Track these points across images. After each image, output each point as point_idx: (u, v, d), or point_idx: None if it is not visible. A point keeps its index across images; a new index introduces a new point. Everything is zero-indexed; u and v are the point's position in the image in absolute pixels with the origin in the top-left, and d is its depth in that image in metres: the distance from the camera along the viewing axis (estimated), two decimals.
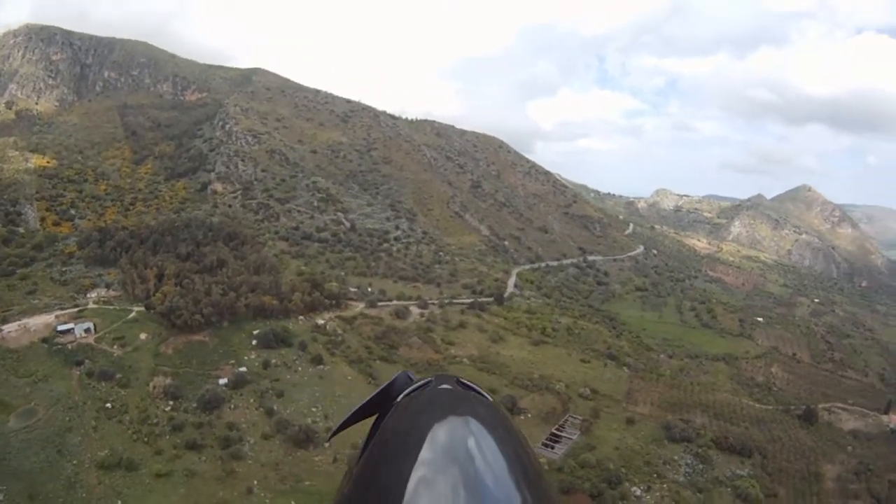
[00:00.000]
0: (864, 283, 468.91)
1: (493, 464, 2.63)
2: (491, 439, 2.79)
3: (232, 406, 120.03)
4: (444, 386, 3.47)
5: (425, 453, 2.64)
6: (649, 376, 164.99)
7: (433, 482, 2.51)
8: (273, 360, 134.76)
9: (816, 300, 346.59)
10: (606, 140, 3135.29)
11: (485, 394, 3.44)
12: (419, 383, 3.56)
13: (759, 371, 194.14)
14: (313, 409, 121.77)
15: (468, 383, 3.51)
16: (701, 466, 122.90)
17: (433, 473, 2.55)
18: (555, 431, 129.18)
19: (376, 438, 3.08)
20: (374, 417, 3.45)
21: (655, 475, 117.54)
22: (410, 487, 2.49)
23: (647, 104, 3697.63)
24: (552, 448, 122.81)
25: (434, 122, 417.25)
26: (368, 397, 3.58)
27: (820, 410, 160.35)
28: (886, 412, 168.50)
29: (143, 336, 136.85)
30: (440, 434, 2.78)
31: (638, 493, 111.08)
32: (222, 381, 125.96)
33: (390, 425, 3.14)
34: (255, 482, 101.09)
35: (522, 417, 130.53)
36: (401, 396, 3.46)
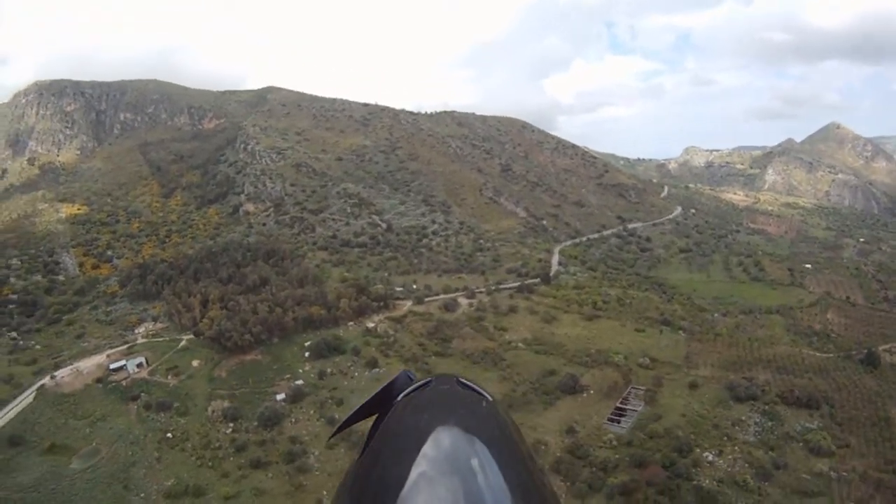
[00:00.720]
0: None
1: (491, 463, 2.69)
2: (490, 439, 2.88)
3: (293, 420, 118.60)
4: (444, 386, 3.56)
5: (424, 453, 2.70)
6: (706, 337, 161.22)
7: (432, 482, 2.57)
8: (328, 370, 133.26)
9: (861, 240, 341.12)
10: (628, 105, 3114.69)
11: (485, 393, 3.48)
12: (419, 383, 3.61)
13: (814, 319, 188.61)
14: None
15: (468, 383, 3.56)
16: (770, 424, 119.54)
17: (432, 473, 2.61)
18: (619, 405, 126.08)
19: (376, 438, 3.14)
20: (374, 417, 3.49)
21: (725, 438, 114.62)
22: (409, 487, 2.55)
23: (662, 63, 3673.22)
24: (618, 423, 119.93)
25: (454, 112, 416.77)
26: (369, 397, 3.62)
27: (881, 353, 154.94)
28: None
29: (195, 363, 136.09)
30: (439, 434, 2.84)
31: (710, 458, 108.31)
32: (280, 396, 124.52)
33: (390, 425, 3.20)
34: (325, 493, 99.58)
35: (585, 395, 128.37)
36: (401, 396, 3.51)
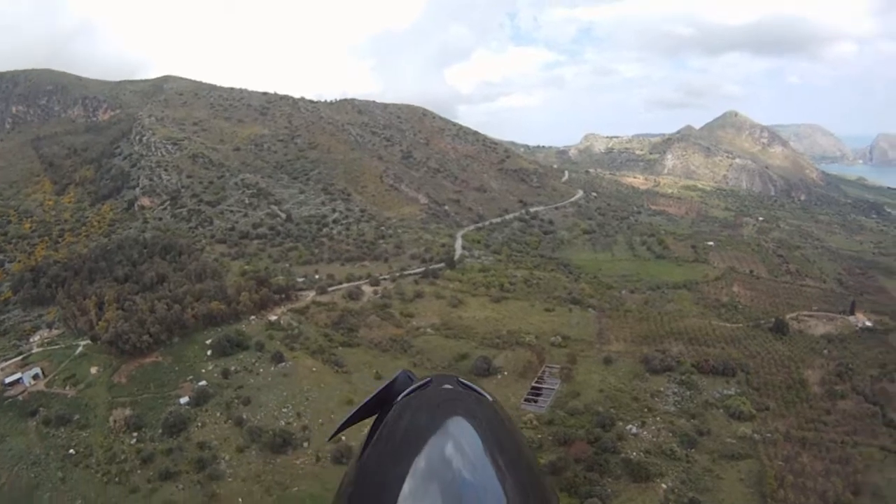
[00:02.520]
0: (802, 197, 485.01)
1: (491, 463, 2.71)
2: (490, 439, 2.90)
3: (199, 424, 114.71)
4: (444, 386, 3.55)
5: (424, 453, 2.73)
6: (616, 314, 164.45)
7: (432, 482, 2.59)
8: (232, 367, 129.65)
9: (760, 218, 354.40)
10: (529, 95, 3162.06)
11: (485, 393, 3.53)
12: (419, 383, 3.59)
13: (721, 292, 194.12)
14: (284, 410, 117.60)
15: (468, 383, 3.58)
16: (688, 393, 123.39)
17: (432, 473, 2.63)
18: (535, 385, 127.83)
19: (376, 438, 3.14)
20: (374, 417, 3.50)
21: (646, 409, 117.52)
22: (409, 487, 2.57)
23: (564, 54, 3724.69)
24: (536, 402, 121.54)
25: (354, 100, 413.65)
26: (368, 397, 3.62)
27: (789, 320, 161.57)
28: (852, 313, 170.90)
29: (93, 370, 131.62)
30: (439, 434, 2.86)
31: (634, 430, 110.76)
32: (183, 399, 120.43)
33: (389, 425, 3.21)
34: (240, 500, 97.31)
35: (499, 377, 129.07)
36: (400, 396, 3.49)
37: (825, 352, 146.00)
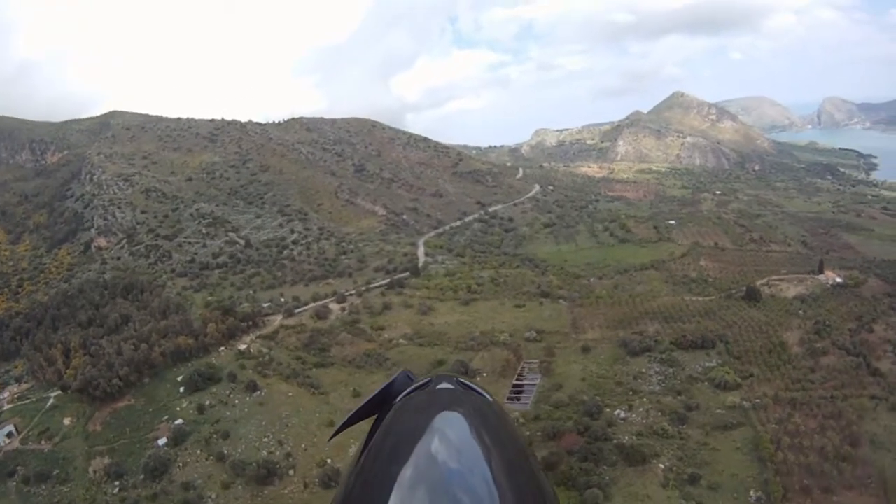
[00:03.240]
0: (756, 167, 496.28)
1: (491, 463, 2.69)
2: (490, 439, 2.88)
3: (180, 465, 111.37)
4: (444, 386, 3.58)
5: (424, 453, 2.72)
6: (588, 302, 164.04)
7: (432, 482, 2.59)
8: (207, 402, 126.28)
9: (718, 192, 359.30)
10: (476, 97, 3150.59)
11: (484, 393, 3.54)
12: (418, 383, 3.63)
13: (689, 268, 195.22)
14: (265, 440, 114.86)
15: (468, 383, 3.62)
16: (671, 370, 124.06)
17: (432, 473, 2.63)
18: (516, 382, 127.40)
19: (375, 439, 3.14)
20: (373, 418, 3.50)
21: (631, 392, 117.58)
22: (408, 487, 2.55)
23: (508, 54, 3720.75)
24: (519, 399, 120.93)
25: (302, 118, 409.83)
26: (368, 398, 3.65)
27: (760, 287, 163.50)
28: (821, 271, 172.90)
29: (66, 421, 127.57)
30: (439, 434, 2.86)
31: (622, 415, 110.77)
32: (161, 441, 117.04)
33: (389, 426, 3.22)
34: None
35: (479, 378, 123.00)
36: (400, 397, 3.52)
37: (800, 312, 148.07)
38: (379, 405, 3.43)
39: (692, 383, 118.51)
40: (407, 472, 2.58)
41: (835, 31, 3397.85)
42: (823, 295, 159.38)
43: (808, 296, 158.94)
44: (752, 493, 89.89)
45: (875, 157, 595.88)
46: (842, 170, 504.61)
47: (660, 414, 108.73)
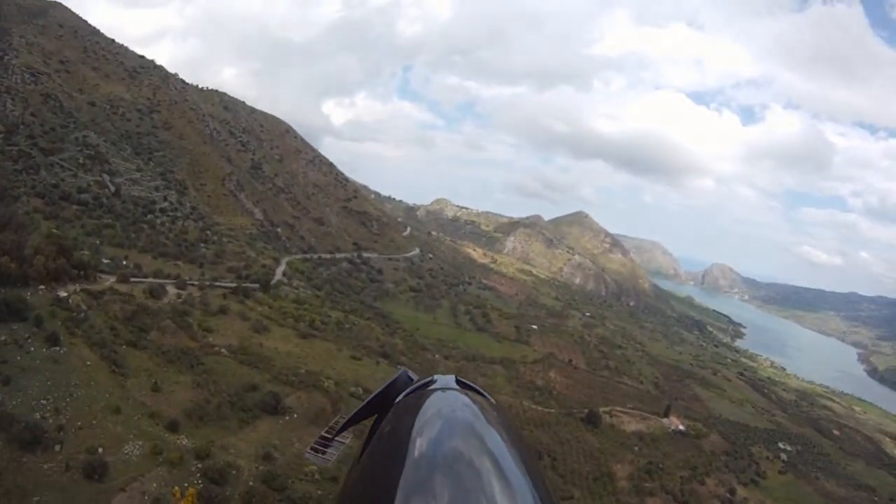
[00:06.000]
0: (631, 303, 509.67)
1: (492, 464, 2.63)
2: (490, 439, 2.83)
3: None
4: (444, 386, 3.51)
5: (424, 454, 2.66)
6: (424, 376, 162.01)
7: (432, 483, 2.51)
8: (3, 337, 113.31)
9: (587, 314, 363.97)
10: (396, 147, 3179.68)
11: (485, 393, 3.48)
12: (419, 383, 3.62)
13: (537, 375, 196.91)
14: (43, 402, 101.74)
15: (468, 383, 3.55)
16: None
17: (432, 474, 2.55)
18: (324, 434, 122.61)
19: (375, 439, 3.13)
20: (373, 418, 3.54)
21: None
22: (409, 488, 2.48)
23: (442, 119, 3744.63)
24: (323, 454, 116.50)
25: (224, 94, 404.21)
26: (368, 398, 3.68)
27: (602, 413, 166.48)
28: (666, 415, 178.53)
29: None
30: (439, 434, 2.82)
31: None
32: None
33: (389, 426, 3.21)
34: None
35: (287, 418, 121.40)
36: (400, 397, 3.51)
37: (636, 448, 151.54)
38: (379, 405, 3.47)
39: None
40: (407, 472, 2.51)
41: (746, 207, 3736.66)
42: (663, 437, 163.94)
43: (647, 434, 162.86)
44: None
45: (744, 328, 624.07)
46: (710, 329, 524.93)
47: None
